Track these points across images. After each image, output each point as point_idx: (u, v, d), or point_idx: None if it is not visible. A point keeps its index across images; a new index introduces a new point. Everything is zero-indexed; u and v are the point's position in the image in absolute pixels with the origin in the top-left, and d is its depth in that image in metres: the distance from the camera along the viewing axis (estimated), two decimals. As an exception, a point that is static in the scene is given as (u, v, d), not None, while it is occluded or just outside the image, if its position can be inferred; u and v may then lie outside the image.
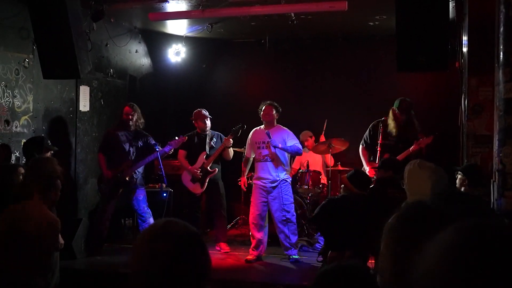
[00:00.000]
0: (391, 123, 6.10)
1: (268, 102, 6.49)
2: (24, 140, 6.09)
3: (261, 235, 6.24)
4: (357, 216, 4.30)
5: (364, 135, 6.42)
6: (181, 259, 1.44)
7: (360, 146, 6.44)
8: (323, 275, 1.50)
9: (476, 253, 0.84)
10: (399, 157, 5.68)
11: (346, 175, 4.71)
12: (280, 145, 6.20)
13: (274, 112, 6.41)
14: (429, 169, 3.19)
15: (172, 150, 6.57)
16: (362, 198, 4.54)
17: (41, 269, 3.49)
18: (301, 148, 6.48)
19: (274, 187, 6.28)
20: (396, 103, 6.13)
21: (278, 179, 6.25)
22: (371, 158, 6.31)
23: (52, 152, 5.52)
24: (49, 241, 3.46)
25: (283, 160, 6.36)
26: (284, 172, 6.34)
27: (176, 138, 6.53)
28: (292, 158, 7.45)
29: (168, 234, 1.48)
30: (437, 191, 3.11)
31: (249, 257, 6.20)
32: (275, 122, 6.49)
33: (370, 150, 6.35)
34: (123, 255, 5.99)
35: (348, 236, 4.26)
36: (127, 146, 6.50)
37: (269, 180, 6.27)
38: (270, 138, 6.22)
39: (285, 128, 6.50)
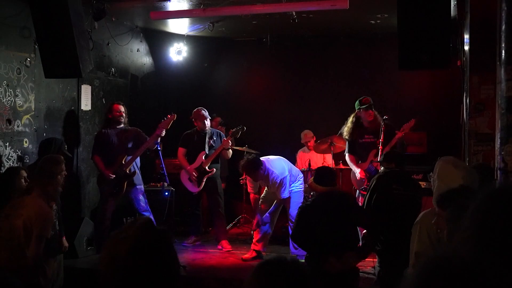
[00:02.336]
0: (362, 122, 6.20)
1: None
2: (26, 139, 6.11)
3: (266, 229, 6.24)
4: (336, 213, 4.18)
5: (346, 144, 6.43)
6: (142, 257, 1.50)
7: (346, 155, 6.42)
8: (261, 267, 1.50)
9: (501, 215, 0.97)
10: (385, 149, 5.72)
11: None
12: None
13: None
14: (464, 170, 3.09)
15: (164, 132, 6.35)
16: (335, 194, 4.45)
17: (31, 260, 3.80)
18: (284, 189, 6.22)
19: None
20: (357, 104, 6.21)
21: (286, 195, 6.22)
22: (359, 162, 6.31)
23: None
24: (38, 229, 3.81)
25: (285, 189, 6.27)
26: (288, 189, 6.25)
27: (164, 118, 6.44)
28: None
29: (128, 235, 1.55)
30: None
31: (247, 255, 6.21)
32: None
33: (356, 154, 6.35)
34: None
35: (331, 236, 4.11)
36: (121, 144, 6.47)
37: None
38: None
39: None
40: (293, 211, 6.28)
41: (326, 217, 4.19)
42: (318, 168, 4.81)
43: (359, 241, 4.49)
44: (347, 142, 6.43)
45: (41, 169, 4.16)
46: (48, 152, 5.39)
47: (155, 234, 1.56)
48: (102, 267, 1.55)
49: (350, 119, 6.32)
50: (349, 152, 6.39)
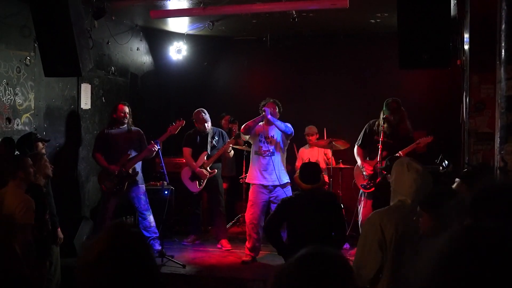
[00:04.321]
0: (385, 124, 6.06)
1: (271, 100, 6.45)
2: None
3: (258, 236, 6.22)
4: (317, 213, 4.30)
5: (360, 135, 6.37)
6: (112, 261, 1.44)
7: (356, 145, 6.38)
8: (303, 258, 1.39)
9: (465, 258, 0.91)
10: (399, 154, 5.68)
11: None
12: (269, 116, 6.15)
13: (277, 110, 6.40)
14: (416, 172, 3.09)
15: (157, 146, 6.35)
16: (319, 193, 4.52)
17: (21, 248, 3.93)
18: (292, 129, 6.35)
19: (275, 186, 6.24)
20: (385, 107, 6.08)
21: (279, 179, 6.21)
22: (367, 158, 6.28)
23: (44, 143, 5.58)
24: (21, 217, 3.96)
25: (282, 159, 6.37)
26: (285, 173, 6.35)
27: (173, 124, 6.47)
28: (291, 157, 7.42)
29: (110, 238, 1.50)
30: (420, 195, 3.03)
31: (246, 258, 6.19)
32: None
33: (365, 149, 6.31)
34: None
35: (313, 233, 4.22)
36: (124, 145, 6.48)
37: (270, 179, 6.24)
38: (268, 113, 6.17)
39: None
40: None
41: (306, 215, 4.33)
42: (303, 165, 4.80)
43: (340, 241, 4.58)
44: (362, 133, 6.31)
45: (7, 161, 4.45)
46: (24, 148, 5.36)
47: (126, 238, 1.50)
48: (77, 272, 1.51)
49: (381, 117, 6.10)
50: (360, 145, 6.31)
